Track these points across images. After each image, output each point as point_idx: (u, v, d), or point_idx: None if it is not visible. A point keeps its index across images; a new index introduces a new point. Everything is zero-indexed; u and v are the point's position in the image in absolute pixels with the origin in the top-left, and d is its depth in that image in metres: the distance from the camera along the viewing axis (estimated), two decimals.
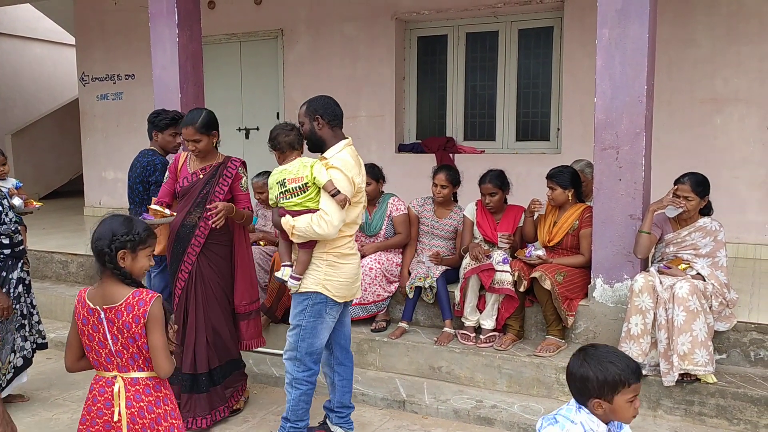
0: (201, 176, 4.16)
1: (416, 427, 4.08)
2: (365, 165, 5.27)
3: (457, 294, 4.70)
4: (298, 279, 3.52)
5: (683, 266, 4.17)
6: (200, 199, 4.14)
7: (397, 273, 5.09)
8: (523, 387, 4.29)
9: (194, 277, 4.13)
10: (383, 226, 5.14)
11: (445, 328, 4.72)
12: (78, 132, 9.69)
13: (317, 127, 3.54)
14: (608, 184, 4.32)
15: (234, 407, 4.29)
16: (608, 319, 4.42)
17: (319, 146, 3.59)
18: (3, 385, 4.20)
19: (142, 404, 2.47)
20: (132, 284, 2.50)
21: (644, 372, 3.98)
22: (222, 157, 4.25)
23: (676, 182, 4.20)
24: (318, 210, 3.40)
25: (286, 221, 3.47)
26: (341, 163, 3.45)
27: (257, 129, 8.66)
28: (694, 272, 4.13)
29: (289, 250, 3.62)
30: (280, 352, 5.10)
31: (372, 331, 4.92)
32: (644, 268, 4.31)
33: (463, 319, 4.70)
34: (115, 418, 2.45)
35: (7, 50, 12.12)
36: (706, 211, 4.25)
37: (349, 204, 3.45)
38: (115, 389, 2.45)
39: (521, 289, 4.46)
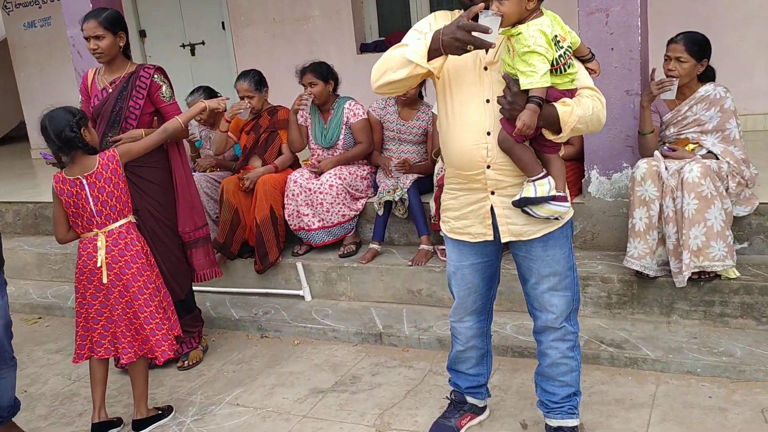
0: (111, 90, 3.56)
1: (395, 362, 3.54)
2: (313, 63, 4.55)
3: (432, 205, 4.07)
4: (565, 199, 2.40)
5: (691, 146, 3.51)
6: (114, 118, 3.57)
7: (363, 188, 4.44)
8: (515, 303, 3.72)
9: None
10: (341, 136, 4.45)
11: (422, 246, 4.11)
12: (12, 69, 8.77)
13: None
14: (598, 56, 3.57)
15: (189, 359, 3.75)
16: (608, 216, 3.81)
17: None
18: None
19: (119, 246, 3.05)
20: (96, 152, 3.06)
21: (653, 273, 3.40)
22: (134, 66, 3.62)
23: (669, 42, 3.48)
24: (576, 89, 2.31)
25: (566, 110, 2.24)
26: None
27: (203, 43, 7.76)
28: (704, 151, 3.48)
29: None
30: (239, 290, 4.55)
31: (340, 256, 4.31)
32: None
33: (441, 233, 4.08)
34: (98, 265, 3.00)
35: None
36: (708, 78, 3.56)
37: None
38: (99, 243, 3.01)
39: None
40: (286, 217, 4.37)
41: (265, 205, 4.29)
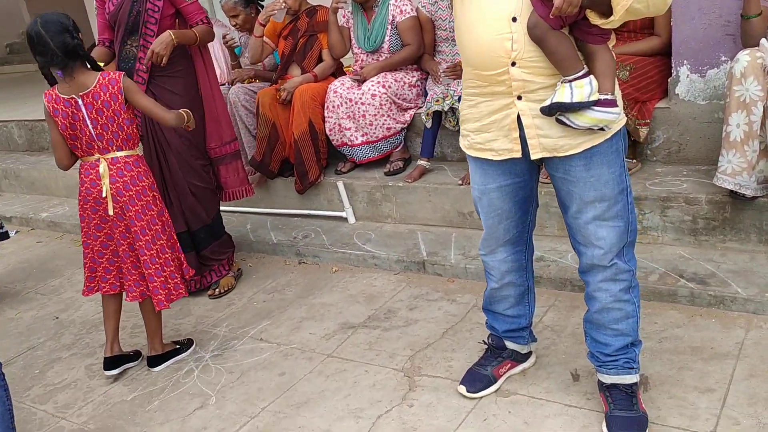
0: None
1: (438, 294, 3.13)
2: None
3: None
4: (614, 103, 1.83)
5: None
6: (132, 24, 3.27)
7: (412, 97, 3.92)
8: None
9: (147, 123, 3.30)
10: (386, 37, 3.90)
11: None
12: None
13: None
14: None
15: (220, 286, 3.51)
16: (699, 123, 3.14)
17: None
18: None
19: (125, 179, 2.71)
20: (96, 68, 2.71)
21: (750, 192, 2.76)
22: None
23: None
24: None
25: None
26: None
27: None
28: None
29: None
30: (279, 212, 4.23)
31: (386, 174, 3.87)
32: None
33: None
34: (104, 194, 2.68)
35: None
36: None
37: None
38: (101, 169, 2.68)
39: None
40: (327, 132, 3.95)
41: (303, 119, 3.88)
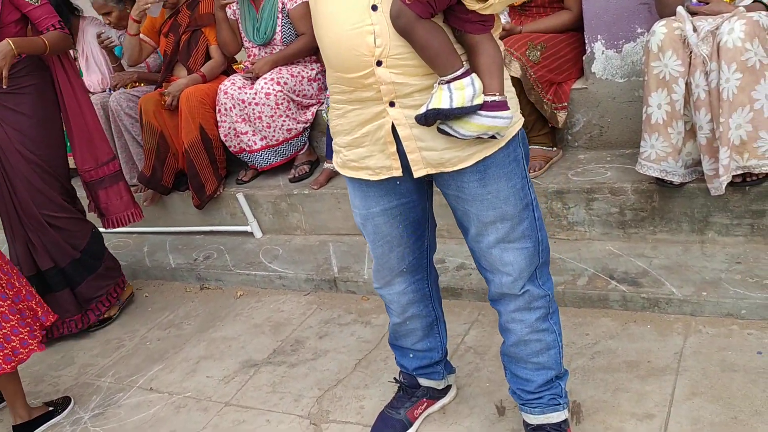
0: None
1: (350, 317, 2.80)
2: None
3: None
4: (505, 105, 1.48)
5: None
6: None
7: (312, 92, 3.54)
8: None
9: None
10: (277, 27, 3.50)
11: None
12: None
13: None
14: None
15: (102, 316, 3.12)
16: (619, 103, 2.87)
17: None
18: None
19: None
20: None
21: (678, 179, 2.51)
22: None
23: None
24: None
25: None
26: None
27: None
28: (748, 1, 2.47)
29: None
30: (177, 230, 3.81)
31: (290, 181, 3.50)
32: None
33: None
34: None
35: None
36: None
37: None
38: None
39: None
40: (222, 138, 3.54)
41: (193, 126, 3.47)
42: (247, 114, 3.42)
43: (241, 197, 3.47)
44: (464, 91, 1.42)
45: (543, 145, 2.94)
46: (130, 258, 3.65)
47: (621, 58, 2.79)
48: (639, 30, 2.72)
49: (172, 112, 3.55)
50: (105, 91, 4.05)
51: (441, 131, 1.49)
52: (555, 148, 2.98)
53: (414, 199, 1.72)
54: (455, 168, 1.57)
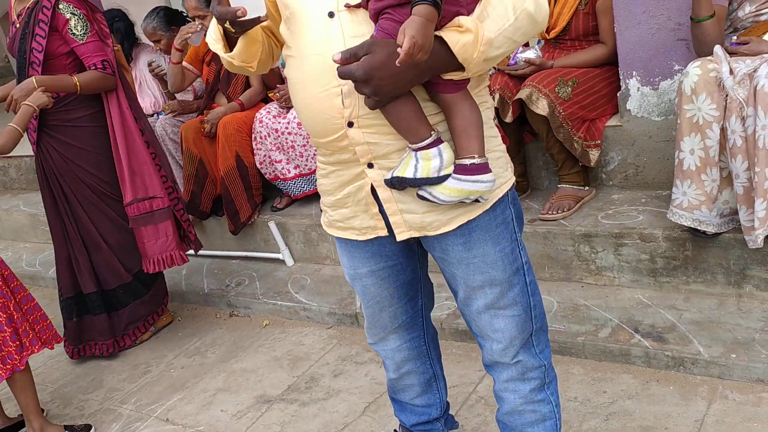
0: (18, 25, 2.92)
1: (368, 355, 2.76)
2: None
3: None
4: (485, 168, 1.40)
5: None
6: (21, 62, 2.91)
7: None
8: None
9: (46, 172, 3.00)
10: None
11: None
12: None
13: None
14: None
15: (136, 343, 3.21)
16: (656, 143, 2.73)
17: None
18: None
19: None
20: None
21: (713, 229, 2.35)
22: None
23: None
24: None
25: (464, 40, 1.28)
26: None
27: None
28: None
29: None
30: (213, 253, 3.84)
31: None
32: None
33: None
34: None
35: None
36: None
37: None
38: None
39: (507, 120, 2.79)
40: (258, 165, 3.58)
41: (229, 154, 3.51)
42: (280, 143, 3.44)
43: (272, 225, 3.49)
44: (430, 162, 1.36)
45: (574, 184, 2.82)
46: (168, 280, 3.72)
47: (657, 95, 2.64)
48: (676, 67, 2.57)
49: (211, 140, 3.62)
50: (153, 115, 4.16)
51: (420, 197, 1.43)
52: (587, 188, 2.85)
53: (401, 261, 1.67)
54: (438, 232, 1.51)
